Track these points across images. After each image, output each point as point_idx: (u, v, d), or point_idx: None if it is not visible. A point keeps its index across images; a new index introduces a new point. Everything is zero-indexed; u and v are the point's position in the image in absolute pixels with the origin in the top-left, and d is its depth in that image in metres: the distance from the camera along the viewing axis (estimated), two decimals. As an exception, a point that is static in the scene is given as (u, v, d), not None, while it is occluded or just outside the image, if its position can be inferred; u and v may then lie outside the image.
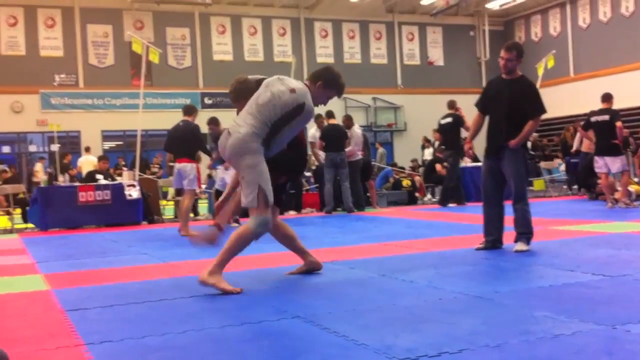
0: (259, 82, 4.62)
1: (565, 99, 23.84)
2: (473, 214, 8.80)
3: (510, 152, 5.74)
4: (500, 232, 5.88)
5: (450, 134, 12.49)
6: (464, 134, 11.52)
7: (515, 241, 5.78)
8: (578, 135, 13.11)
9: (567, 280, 4.29)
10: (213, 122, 10.30)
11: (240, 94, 4.76)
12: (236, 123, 4.39)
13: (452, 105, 12.66)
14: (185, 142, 9.20)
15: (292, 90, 4.34)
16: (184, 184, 9.18)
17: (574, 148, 13.49)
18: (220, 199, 4.95)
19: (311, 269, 4.97)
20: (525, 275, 4.71)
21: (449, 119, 12.36)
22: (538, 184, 16.65)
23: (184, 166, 9.10)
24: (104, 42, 23.12)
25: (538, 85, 15.53)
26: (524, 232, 5.76)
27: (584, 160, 12.39)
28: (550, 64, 16.77)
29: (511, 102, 5.77)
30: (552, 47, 21.19)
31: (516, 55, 5.80)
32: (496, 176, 5.86)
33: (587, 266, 4.73)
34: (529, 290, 4.04)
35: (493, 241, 5.86)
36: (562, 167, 15.87)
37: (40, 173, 18.64)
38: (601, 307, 3.44)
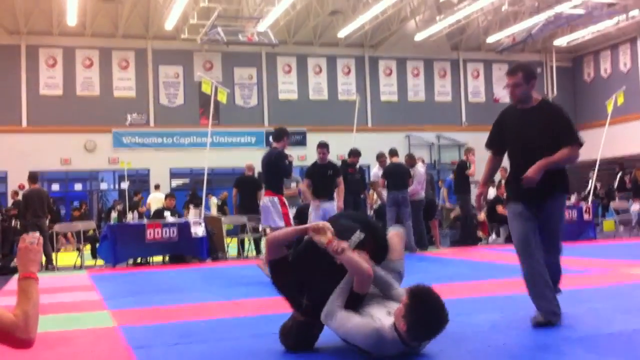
0: None
1: (636, 137, 23.17)
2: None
3: (555, 200, 4.47)
4: (558, 280, 4.60)
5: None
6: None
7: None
8: None
9: (638, 326, 4.14)
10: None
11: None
12: None
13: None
14: (266, 173, 8.33)
15: None
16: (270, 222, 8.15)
17: None
18: None
19: None
20: (594, 322, 4.57)
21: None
22: (608, 224, 16.14)
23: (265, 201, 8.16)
24: (175, 82, 23.82)
25: (607, 122, 15.26)
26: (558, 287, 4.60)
27: None
28: (620, 100, 16.36)
29: (538, 137, 4.39)
30: (623, 83, 20.67)
31: (523, 77, 4.41)
32: (532, 222, 4.43)
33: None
34: (598, 337, 3.92)
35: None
36: (634, 207, 15.36)
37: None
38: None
